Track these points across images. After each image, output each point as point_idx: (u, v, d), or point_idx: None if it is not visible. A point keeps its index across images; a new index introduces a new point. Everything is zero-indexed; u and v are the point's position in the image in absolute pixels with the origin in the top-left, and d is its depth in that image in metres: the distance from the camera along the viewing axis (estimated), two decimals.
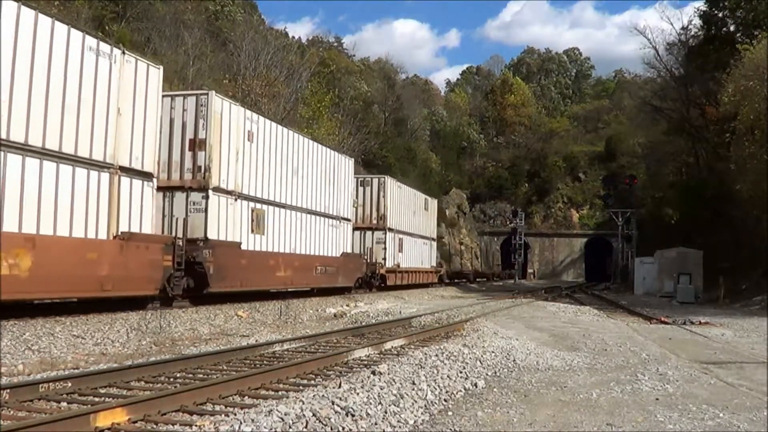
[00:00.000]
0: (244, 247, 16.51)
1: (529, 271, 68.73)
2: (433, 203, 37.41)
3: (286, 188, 18.94)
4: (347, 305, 19.11)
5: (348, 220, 23.77)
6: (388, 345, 10.11)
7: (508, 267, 64.54)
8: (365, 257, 25.72)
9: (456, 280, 44.63)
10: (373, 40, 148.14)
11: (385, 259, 27.09)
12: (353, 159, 24.93)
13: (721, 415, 5.76)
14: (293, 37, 55.33)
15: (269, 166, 18.05)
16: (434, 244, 36.88)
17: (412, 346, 10.22)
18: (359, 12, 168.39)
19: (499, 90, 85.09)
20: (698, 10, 38.11)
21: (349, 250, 23.63)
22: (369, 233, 26.97)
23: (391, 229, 27.85)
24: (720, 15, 35.95)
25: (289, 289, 19.34)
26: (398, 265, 28.58)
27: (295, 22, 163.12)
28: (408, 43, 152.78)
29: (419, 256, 32.95)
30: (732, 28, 35.11)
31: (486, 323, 13.23)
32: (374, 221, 27.25)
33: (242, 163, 16.58)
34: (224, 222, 15.78)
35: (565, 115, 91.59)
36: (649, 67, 44.12)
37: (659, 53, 41.93)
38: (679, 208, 39.02)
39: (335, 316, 16.59)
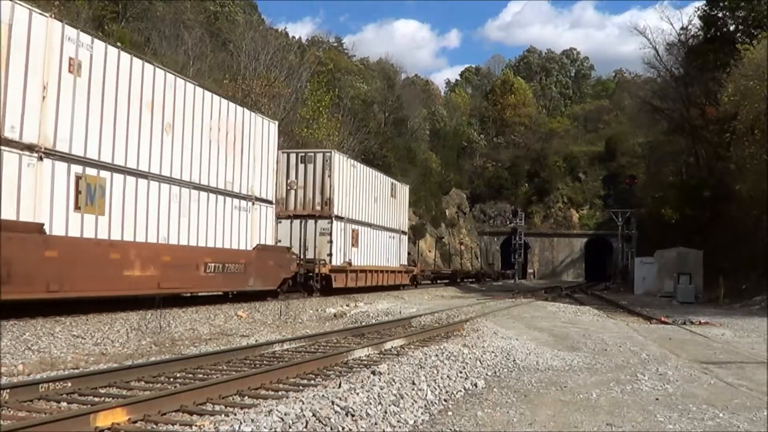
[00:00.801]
0: (57, 231, 11.21)
1: (529, 271, 68.75)
2: (403, 190, 31.61)
3: (150, 150, 13.57)
4: (347, 305, 19.11)
5: (268, 202, 18.14)
6: (388, 345, 10.11)
7: (508, 267, 64.55)
8: (294, 253, 19.99)
9: (439, 281, 40.40)
10: (374, 41, 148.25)
11: (330, 255, 21.69)
12: (276, 123, 19.18)
13: (721, 415, 5.76)
14: (293, 37, 55.38)
15: (116, 113, 12.66)
16: (404, 238, 31.43)
17: (412, 346, 10.22)
18: (360, 12, 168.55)
19: (500, 90, 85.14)
20: (699, 9, 38.19)
21: (269, 242, 18.16)
22: (311, 222, 21.68)
23: (339, 218, 22.52)
24: (720, 15, 35.98)
25: (160, 294, 13.37)
26: (349, 263, 23.13)
27: (296, 22, 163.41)
28: (409, 44, 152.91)
29: (383, 252, 27.68)
30: (732, 28, 35.15)
31: (486, 323, 13.23)
32: (317, 207, 21.95)
33: (57, 105, 11.31)
34: (17, 192, 10.46)
35: (565, 115, 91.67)
36: (649, 67, 44.22)
37: (659, 53, 42.04)
38: (679, 208, 39.02)
39: (335, 316, 16.60)
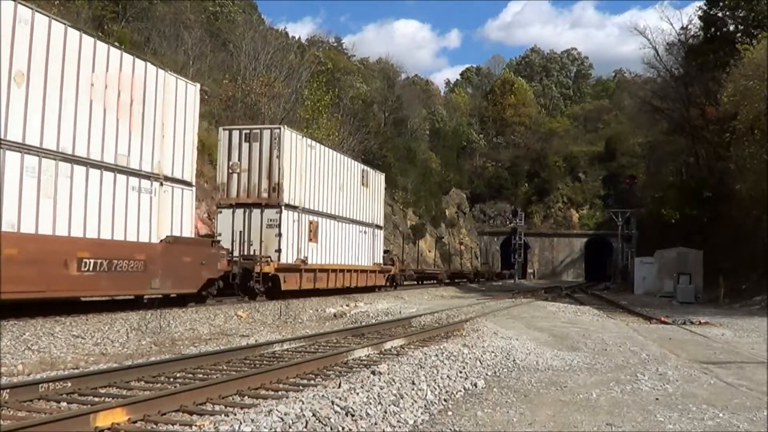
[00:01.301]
0: None
1: (529, 271, 68.77)
2: (377, 178, 27.85)
3: None
4: (347, 305, 19.12)
5: (185, 183, 14.82)
6: (387, 345, 10.11)
7: (508, 267, 64.56)
8: (222, 247, 16.26)
9: (425, 282, 37.38)
10: (375, 41, 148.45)
11: (279, 251, 18.31)
12: (198, 86, 15.76)
13: (721, 415, 5.76)
14: (293, 37, 55.38)
15: None
16: (379, 233, 27.66)
17: (412, 346, 10.22)
18: (361, 12, 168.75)
19: (499, 90, 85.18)
20: (699, 9, 38.20)
21: (187, 233, 14.84)
22: (256, 212, 18.55)
23: (291, 207, 19.17)
24: (720, 15, 35.99)
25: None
26: (304, 261, 19.71)
27: (297, 22, 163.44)
28: (409, 44, 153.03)
29: (351, 248, 23.93)
30: (732, 27, 35.16)
31: (486, 323, 13.23)
32: (264, 194, 18.71)
33: None
34: None
35: (565, 115, 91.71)
36: (649, 67, 44.23)
37: (659, 53, 42.03)
38: (679, 208, 39.03)
39: (335, 316, 16.60)
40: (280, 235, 18.46)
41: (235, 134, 19.17)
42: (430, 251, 55.02)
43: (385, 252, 29.17)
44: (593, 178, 74.29)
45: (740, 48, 27.18)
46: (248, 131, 19.21)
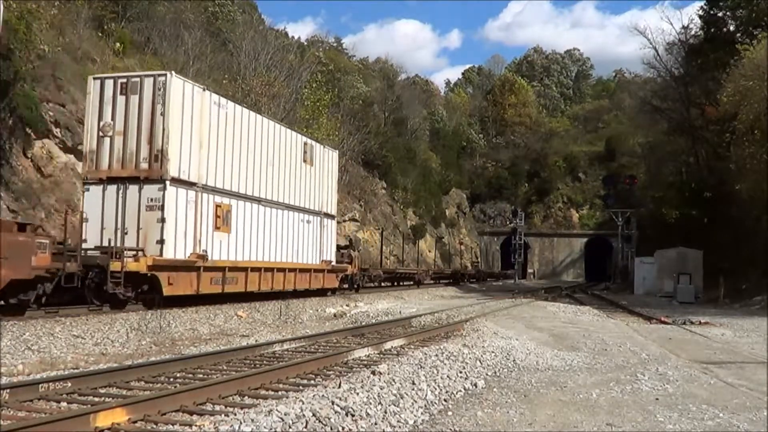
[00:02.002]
0: None
1: (529, 271, 68.77)
2: (328, 155, 22.72)
3: None
4: (347, 305, 19.12)
5: None
6: (387, 345, 10.11)
7: (508, 267, 64.55)
8: (41, 234, 12.20)
9: (402, 284, 32.92)
10: (375, 41, 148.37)
11: (162, 241, 13.85)
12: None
13: (721, 415, 5.76)
14: (293, 37, 55.38)
15: None
16: (331, 224, 22.59)
17: (412, 346, 10.22)
18: (361, 12, 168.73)
19: (499, 90, 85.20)
20: (700, 9, 38.20)
21: None
22: (133, 189, 14.00)
23: (184, 182, 14.54)
24: (720, 14, 35.99)
25: None
26: (204, 256, 15.03)
27: (297, 22, 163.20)
28: (410, 44, 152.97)
29: (288, 242, 19.30)
30: (732, 27, 35.16)
31: (486, 323, 13.23)
32: (143, 164, 14.13)
33: None
34: None
35: (566, 115, 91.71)
36: (649, 67, 44.18)
37: (659, 53, 42.00)
38: (679, 208, 39.03)
39: (335, 316, 16.60)
40: (163, 220, 13.85)
41: (109, 85, 14.50)
42: (430, 251, 55.01)
43: (342, 248, 24.81)
44: (593, 178, 74.28)
45: (740, 48, 27.15)
46: (125, 80, 14.53)
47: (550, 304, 22.20)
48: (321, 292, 21.39)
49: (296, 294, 19.37)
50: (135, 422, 5.26)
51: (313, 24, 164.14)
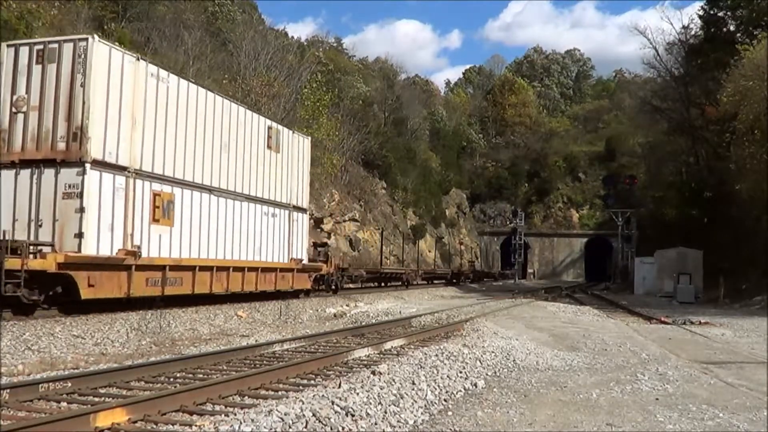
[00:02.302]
0: None
1: (529, 271, 68.80)
2: (299, 142, 20.35)
3: None
4: (347, 305, 19.12)
5: None
6: (387, 345, 10.11)
7: (508, 267, 64.55)
8: None
9: (389, 284, 30.45)
10: (376, 41, 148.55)
11: (81, 235, 11.76)
12: None
13: (721, 415, 5.76)
14: (293, 37, 55.37)
15: None
16: (302, 218, 20.22)
17: (412, 346, 10.22)
18: (362, 12, 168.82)
19: (499, 90, 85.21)
20: (700, 9, 38.23)
21: None
22: (49, 173, 12.00)
23: (110, 166, 12.46)
24: (720, 14, 36.01)
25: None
26: (136, 254, 12.77)
27: (298, 22, 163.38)
28: (410, 44, 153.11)
29: (250, 239, 17.13)
30: (732, 27, 35.18)
31: (486, 323, 13.23)
32: (60, 144, 12.14)
33: None
34: None
35: (566, 115, 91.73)
36: (649, 67, 44.23)
37: (659, 53, 42.04)
38: (679, 208, 39.06)
39: (335, 316, 16.61)
40: (82, 210, 11.77)
41: (24, 52, 12.48)
42: (430, 251, 55.01)
43: (320, 245, 22.84)
44: (593, 178, 74.32)
45: (740, 48, 27.16)
46: (42, 47, 12.42)
47: (550, 304, 22.20)
48: (291, 294, 18.94)
49: (264, 296, 17.19)
50: (135, 422, 5.25)
51: (313, 24, 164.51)
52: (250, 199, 17.18)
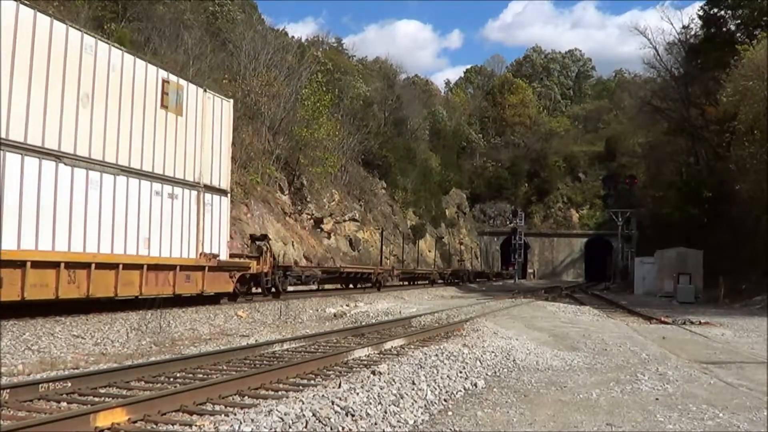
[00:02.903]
0: None
1: (529, 271, 68.80)
2: (210, 103, 15.77)
3: None
4: (347, 305, 19.13)
5: None
6: (387, 345, 10.11)
7: (507, 267, 64.53)
8: None
9: (357, 286, 26.10)
10: (376, 41, 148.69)
11: None
12: None
13: (721, 415, 5.76)
14: (293, 37, 55.35)
15: None
16: (221, 201, 16.10)
17: (412, 346, 10.22)
18: (362, 12, 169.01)
19: (499, 90, 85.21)
20: (700, 9, 38.25)
21: None
22: None
23: None
24: (720, 14, 36.03)
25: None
26: None
27: (298, 22, 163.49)
28: (410, 44, 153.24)
29: (133, 226, 12.94)
30: (732, 27, 35.20)
31: (486, 323, 13.22)
32: None
33: None
34: None
35: (565, 115, 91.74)
36: (649, 67, 44.26)
37: (659, 53, 42.05)
38: (679, 208, 39.06)
39: (335, 316, 16.60)
40: None
41: None
42: (430, 251, 55.02)
43: (258, 239, 18.52)
44: (593, 178, 74.34)
45: (740, 48, 27.17)
46: None
47: (550, 304, 22.19)
48: (211, 299, 15.40)
49: (155, 304, 12.55)
50: (135, 422, 5.25)
51: (313, 24, 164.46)
52: (130, 172, 12.91)
